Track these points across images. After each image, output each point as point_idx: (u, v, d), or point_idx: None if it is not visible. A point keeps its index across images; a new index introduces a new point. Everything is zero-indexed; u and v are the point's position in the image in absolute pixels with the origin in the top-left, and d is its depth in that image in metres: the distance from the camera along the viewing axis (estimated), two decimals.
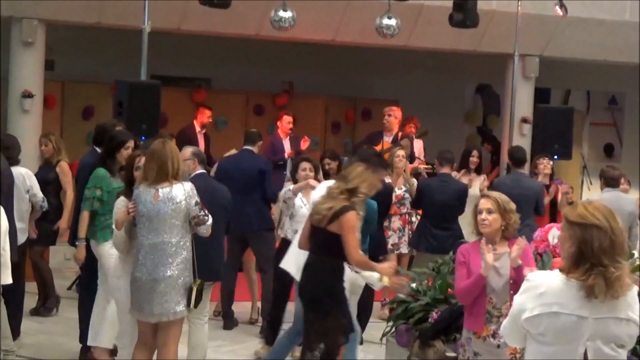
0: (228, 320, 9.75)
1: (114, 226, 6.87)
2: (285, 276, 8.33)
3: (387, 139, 11.92)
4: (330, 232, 6.61)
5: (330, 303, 6.57)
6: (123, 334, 7.04)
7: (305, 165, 8.59)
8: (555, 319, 3.83)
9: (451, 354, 6.77)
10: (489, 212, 5.82)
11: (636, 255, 7.42)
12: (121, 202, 6.92)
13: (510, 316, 4.01)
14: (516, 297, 3.97)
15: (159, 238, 6.57)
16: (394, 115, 12.15)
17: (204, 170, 7.91)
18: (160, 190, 6.58)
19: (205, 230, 6.73)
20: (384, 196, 8.88)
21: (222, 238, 7.79)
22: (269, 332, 8.66)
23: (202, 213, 6.67)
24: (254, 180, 9.54)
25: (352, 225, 6.59)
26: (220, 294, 9.73)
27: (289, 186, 8.86)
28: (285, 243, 8.41)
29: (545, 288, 3.86)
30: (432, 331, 6.98)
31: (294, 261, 7.38)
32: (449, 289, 7.26)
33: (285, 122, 12.37)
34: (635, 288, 3.90)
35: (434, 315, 7.11)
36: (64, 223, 9.47)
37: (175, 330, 6.74)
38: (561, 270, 3.89)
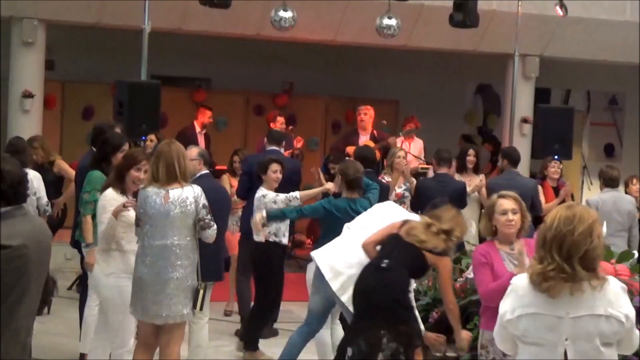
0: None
1: (109, 215, 6.80)
2: (271, 282, 8.34)
3: (365, 138, 11.91)
4: (422, 254, 6.57)
5: (402, 311, 6.47)
6: (116, 334, 7.01)
7: (275, 167, 8.54)
8: (534, 320, 3.91)
9: (451, 354, 6.76)
10: (514, 212, 5.85)
11: (636, 255, 7.43)
12: (111, 194, 6.89)
13: (498, 321, 4.08)
14: (501, 302, 4.07)
15: (167, 240, 6.54)
16: (369, 114, 12.14)
17: (207, 171, 7.90)
18: (170, 191, 6.55)
19: (209, 235, 6.69)
20: (380, 195, 8.90)
21: (223, 238, 7.77)
22: (251, 338, 8.60)
23: (209, 217, 6.64)
24: (289, 180, 9.38)
25: (450, 271, 6.65)
26: (239, 302, 9.55)
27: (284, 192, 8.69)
28: (275, 246, 8.42)
29: (523, 291, 3.95)
30: (432, 331, 6.97)
31: (329, 263, 7.21)
32: None
33: (279, 123, 12.35)
34: (616, 285, 3.93)
35: (434, 315, 7.11)
36: (61, 200, 9.74)
37: (179, 332, 6.74)
38: None
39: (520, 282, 4.01)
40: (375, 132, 12.06)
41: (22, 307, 3.94)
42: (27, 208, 4.10)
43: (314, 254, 7.31)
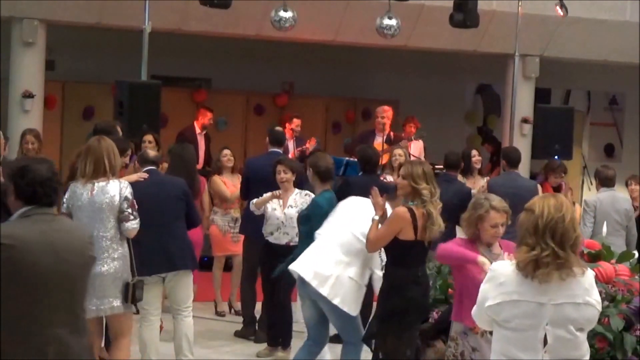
0: (252, 328, 9.37)
1: None
2: (273, 279, 8.34)
3: (380, 139, 11.89)
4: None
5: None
6: None
7: (279, 168, 8.57)
8: (516, 307, 4.09)
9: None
10: (502, 225, 5.91)
11: (637, 255, 7.44)
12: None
13: (477, 304, 4.25)
14: (481, 286, 4.23)
15: (94, 232, 6.50)
16: (387, 117, 12.12)
17: (152, 167, 7.77)
18: (96, 184, 6.69)
19: (128, 228, 6.74)
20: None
21: (177, 227, 7.59)
22: (271, 333, 8.66)
23: (129, 211, 6.72)
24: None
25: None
26: (242, 306, 9.55)
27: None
28: (276, 247, 8.47)
29: (504, 278, 4.12)
30: (433, 331, 6.97)
31: (312, 270, 7.06)
32: (449, 289, 7.26)
33: (295, 125, 12.37)
34: (590, 273, 4.16)
35: (435, 315, 7.11)
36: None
37: (125, 323, 6.88)
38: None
39: (502, 269, 4.17)
40: (392, 133, 12.04)
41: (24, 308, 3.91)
42: (51, 210, 4.06)
43: (294, 267, 7.19)
